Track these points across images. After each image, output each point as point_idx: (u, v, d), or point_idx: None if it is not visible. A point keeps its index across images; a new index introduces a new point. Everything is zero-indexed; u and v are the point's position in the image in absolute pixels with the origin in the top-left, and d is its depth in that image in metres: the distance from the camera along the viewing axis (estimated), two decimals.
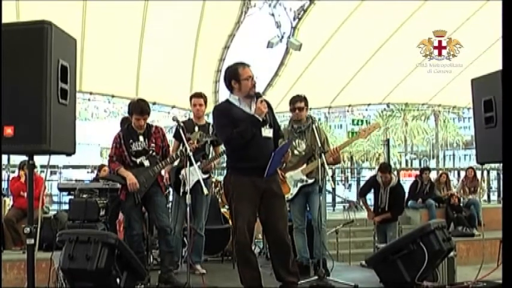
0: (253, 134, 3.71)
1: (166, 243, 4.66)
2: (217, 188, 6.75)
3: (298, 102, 4.97)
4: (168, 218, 4.83)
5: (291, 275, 3.81)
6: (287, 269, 3.81)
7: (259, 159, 3.73)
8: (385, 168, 7.57)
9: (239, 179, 3.76)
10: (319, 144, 4.64)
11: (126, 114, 5.45)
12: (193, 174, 4.64)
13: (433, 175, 10.95)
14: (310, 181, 4.86)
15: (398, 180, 7.92)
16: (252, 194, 3.74)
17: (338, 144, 5.13)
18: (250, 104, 3.83)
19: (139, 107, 4.66)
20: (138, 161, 4.70)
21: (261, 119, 3.73)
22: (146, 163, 4.70)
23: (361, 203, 8.52)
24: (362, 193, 7.98)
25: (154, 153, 4.73)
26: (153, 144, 4.73)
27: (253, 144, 3.72)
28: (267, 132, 3.80)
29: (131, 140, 4.70)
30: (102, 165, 8.01)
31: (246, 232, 3.70)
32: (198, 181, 4.67)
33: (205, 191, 4.55)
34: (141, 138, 4.72)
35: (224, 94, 12.27)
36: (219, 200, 6.53)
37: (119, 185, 4.84)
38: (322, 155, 4.57)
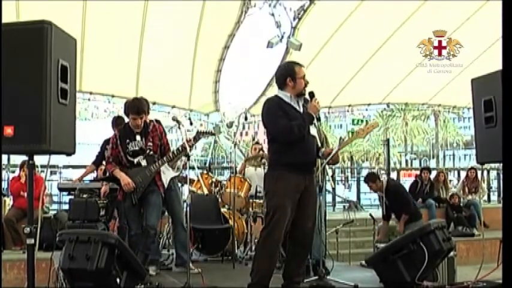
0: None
1: (144, 243, 4.68)
2: (217, 188, 6.73)
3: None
4: (158, 219, 4.82)
5: (298, 276, 3.93)
6: (298, 270, 3.93)
7: (306, 156, 3.84)
8: (366, 178, 7.58)
9: (284, 175, 3.77)
10: (319, 144, 4.64)
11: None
12: (164, 172, 4.77)
13: (433, 175, 10.94)
14: None
15: (388, 180, 7.86)
16: (294, 191, 3.79)
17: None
18: (298, 102, 3.93)
19: (136, 107, 4.63)
20: (135, 160, 4.68)
21: (315, 117, 3.86)
22: (143, 163, 4.69)
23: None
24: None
25: (151, 153, 4.71)
26: (150, 143, 4.70)
27: (304, 140, 3.81)
28: (313, 131, 3.91)
29: (128, 140, 4.68)
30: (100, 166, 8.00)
31: (284, 227, 3.74)
32: (171, 178, 4.88)
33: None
34: (138, 137, 4.69)
35: (224, 94, 12.33)
36: (219, 200, 6.52)
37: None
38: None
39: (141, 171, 4.66)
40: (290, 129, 3.73)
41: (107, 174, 5.25)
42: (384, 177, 7.63)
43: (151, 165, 4.67)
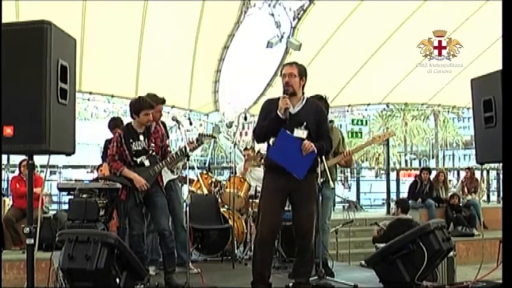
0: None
1: (164, 245, 4.68)
2: (217, 188, 6.73)
3: None
4: (167, 219, 4.83)
5: (298, 276, 4.00)
6: (296, 270, 4.06)
7: None
8: (400, 204, 7.48)
9: (266, 176, 3.98)
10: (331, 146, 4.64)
11: (126, 114, 5.42)
12: (163, 174, 4.80)
13: (433, 175, 10.94)
14: (320, 180, 4.85)
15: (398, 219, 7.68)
16: (275, 191, 3.86)
17: (352, 148, 5.17)
18: (294, 102, 3.89)
19: (148, 102, 4.67)
20: (138, 160, 4.69)
21: (282, 117, 3.77)
22: (146, 163, 4.68)
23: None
24: None
25: (154, 153, 4.72)
26: (153, 144, 4.71)
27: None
28: (300, 133, 3.81)
29: (131, 140, 4.69)
30: (100, 165, 8.00)
31: (269, 227, 3.85)
32: (170, 180, 4.97)
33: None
34: (141, 137, 4.70)
35: (224, 94, 12.34)
36: (219, 200, 6.52)
37: (118, 185, 4.83)
38: (323, 156, 4.55)
39: (144, 171, 4.66)
40: (254, 130, 3.94)
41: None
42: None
43: (155, 166, 4.68)
